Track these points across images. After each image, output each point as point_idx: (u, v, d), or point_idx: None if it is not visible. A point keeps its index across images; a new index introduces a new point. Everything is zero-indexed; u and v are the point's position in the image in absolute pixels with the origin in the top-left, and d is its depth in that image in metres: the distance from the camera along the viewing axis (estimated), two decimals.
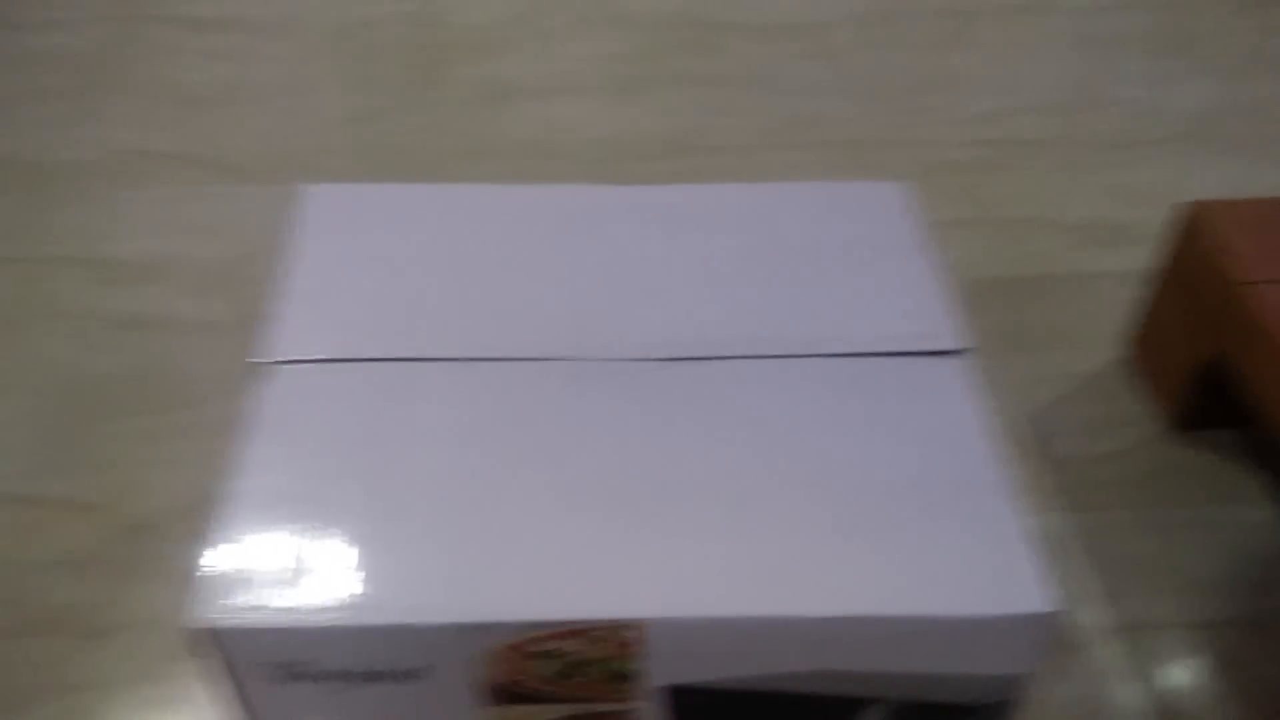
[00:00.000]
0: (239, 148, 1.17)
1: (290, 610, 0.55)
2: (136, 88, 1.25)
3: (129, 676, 0.77)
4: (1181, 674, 0.79)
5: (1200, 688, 0.78)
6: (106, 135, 1.19)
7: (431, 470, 0.60)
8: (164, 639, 0.79)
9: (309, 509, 0.58)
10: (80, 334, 0.99)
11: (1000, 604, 0.55)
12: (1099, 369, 0.97)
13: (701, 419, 0.63)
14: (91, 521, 0.86)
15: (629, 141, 1.18)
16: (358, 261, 0.70)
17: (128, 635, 0.79)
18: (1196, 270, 0.88)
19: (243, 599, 0.55)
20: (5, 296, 1.02)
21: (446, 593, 0.56)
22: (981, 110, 1.23)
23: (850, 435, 0.62)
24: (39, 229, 1.08)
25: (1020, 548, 0.57)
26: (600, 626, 0.55)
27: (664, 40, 1.32)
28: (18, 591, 0.81)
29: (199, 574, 0.56)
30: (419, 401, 0.63)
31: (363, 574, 0.56)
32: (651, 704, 0.60)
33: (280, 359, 0.64)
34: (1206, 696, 0.78)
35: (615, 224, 0.74)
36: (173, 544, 0.84)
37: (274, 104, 1.23)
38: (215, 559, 0.56)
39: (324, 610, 0.55)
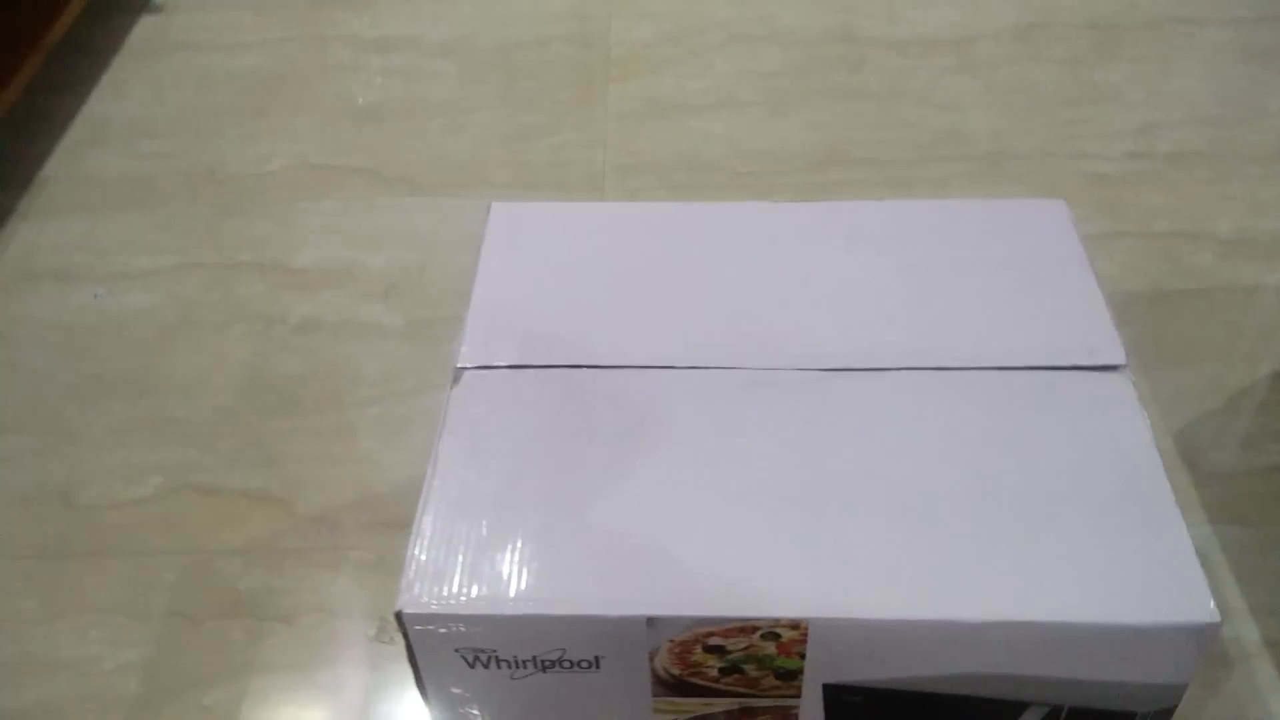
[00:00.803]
0: (409, 161, 1.23)
1: (480, 600, 0.59)
2: (315, 104, 1.32)
3: (306, 661, 0.82)
4: None
5: None
6: (287, 149, 1.26)
7: (610, 472, 0.63)
8: (341, 625, 0.84)
9: (497, 506, 0.62)
10: (262, 336, 1.05)
11: (1162, 613, 0.56)
12: (1252, 383, 0.96)
13: (866, 428, 0.65)
14: (273, 513, 0.91)
15: (781, 155, 1.20)
16: (541, 274, 0.74)
17: (306, 620, 0.84)
18: None
19: (436, 589, 0.59)
20: (195, 300, 1.08)
21: (624, 587, 0.59)
22: (1130, 124, 1.22)
23: (1013, 445, 0.64)
24: (226, 236, 1.15)
25: (1182, 559, 0.58)
26: (767, 624, 0.58)
27: (815, 56, 1.34)
28: (206, 577, 0.87)
29: (402, 565, 0.60)
30: (597, 406, 0.67)
31: (547, 567, 0.60)
32: (811, 700, 0.62)
33: (471, 365, 0.69)
34: None
35: (782, 238, 0.76)
36: (346, 536, 0.89)
37: (443, 120, 1.28)
38: (411, 551, 0.60)
39: (511, 600, 0.58)
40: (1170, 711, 0.61)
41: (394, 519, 0.89)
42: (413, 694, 0.63)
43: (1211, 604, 0.57)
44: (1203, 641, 0.57)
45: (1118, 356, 0.68)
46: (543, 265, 0.75)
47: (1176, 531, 0.60)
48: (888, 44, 1.35)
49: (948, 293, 0.72)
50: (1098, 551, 0.59)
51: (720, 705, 0.63)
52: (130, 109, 1.33)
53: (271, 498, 0.92)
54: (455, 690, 0.63)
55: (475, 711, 0.64)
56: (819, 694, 0.62)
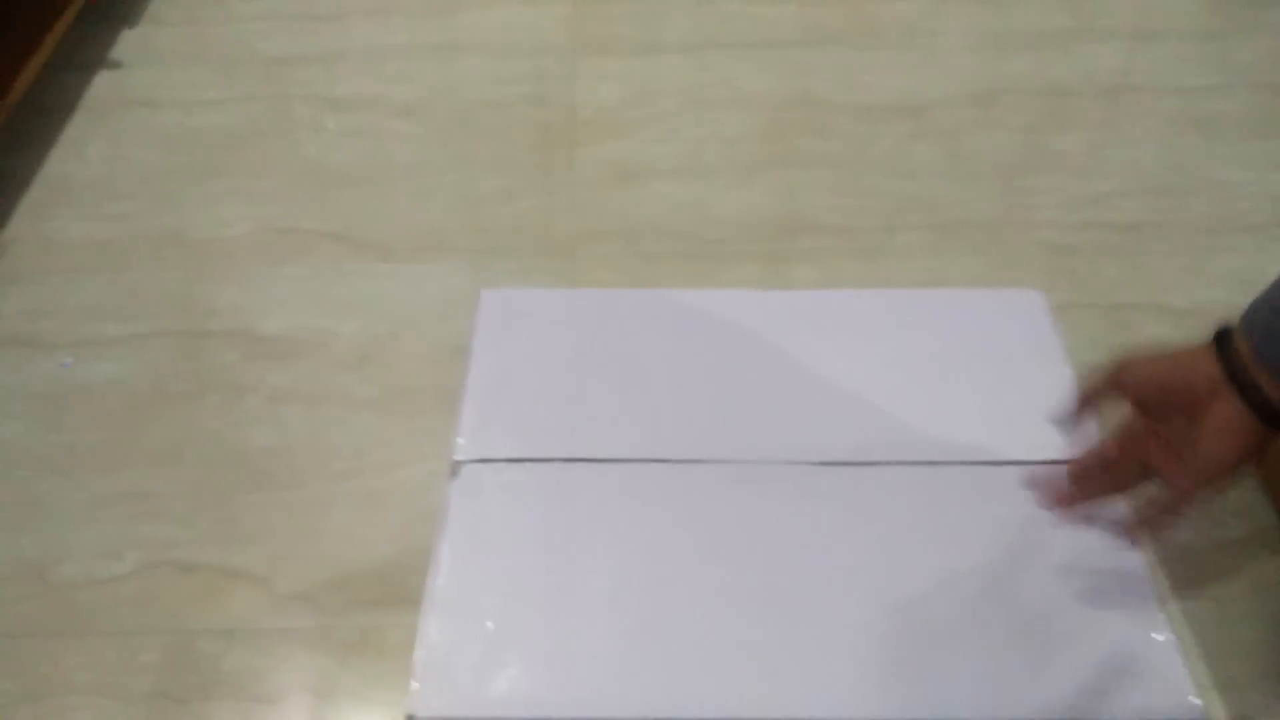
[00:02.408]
0: (377, 226, 1.22)
1: (486, 702, 0.60)
2: (278, 165, 1.31)
3: None
4: None
5: None
6: (254, 212, 1.25)
7: (607, 572, 0.65)
8: (326, 706, 0.83)
9: (500, 607, 0.63)
10: (235, 407, 1.04)
11: (1148, 708, 0.59)
12: None
13: (857, 522, 0.67)
14: (253, 591, 0.91)
15: (748, 222, 1.21)
16: (534, 365, 0.75)
17: (291, 701, 0.84)
18: None
19: (443, 692, 0.60)
20: (165, 369, 1.08)
21: (624, 690, 0.60)
22: (1085, 193, 1.25)
23: (996, 542, 0.66)
24: (194, 303, 1.14)
25: (1164, 651, 0.61)
26: None
27: (778, 122, 1.36)
28: (190, 657, 0.87)
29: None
30: (593, 502, 0.68)
31: (549, 669, 0.61)
32: None
33: (469, 458, 0.70)
34: None
35: (770, 328, 0.78)
36: (328, 615, 0.89)
37: (410, 183, 1.28)
38: (418, 654, 0.61)
39: (516, 704, 0.59)
40: None
41: (375, 597, 0.89)
42: None
43: (1190, 696, 0.59)
44: None
45: None
46: (535, 355, 0.76)
47: (1154, 626, 0.62)
48: (850, 110, 1.37)
49: (931, 386, 0.75)
50: (1077, 645, 0.61)
51: None
52: (91, 169, 1.31)
53: (251, 575, 0.92)
54: None
55: None
56: None
